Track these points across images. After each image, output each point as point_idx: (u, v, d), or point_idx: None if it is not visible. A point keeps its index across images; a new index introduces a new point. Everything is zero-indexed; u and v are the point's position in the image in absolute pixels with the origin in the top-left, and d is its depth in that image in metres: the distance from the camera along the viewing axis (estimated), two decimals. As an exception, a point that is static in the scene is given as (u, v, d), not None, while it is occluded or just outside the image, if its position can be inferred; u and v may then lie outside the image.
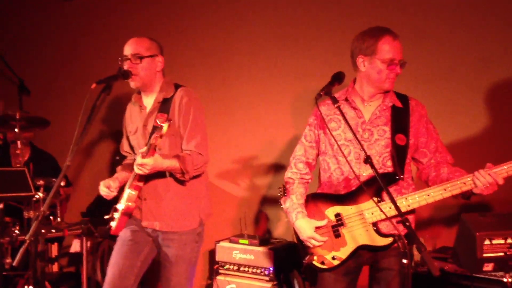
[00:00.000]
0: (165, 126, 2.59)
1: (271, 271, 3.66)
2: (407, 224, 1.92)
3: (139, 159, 2.69)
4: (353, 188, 2.50)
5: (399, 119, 2.48)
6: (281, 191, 3.69)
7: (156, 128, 2.83)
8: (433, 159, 2.53)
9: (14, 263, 2.35)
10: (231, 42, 4.33)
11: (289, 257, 3.78)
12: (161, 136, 2.64)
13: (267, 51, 4.18)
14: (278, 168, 4.12)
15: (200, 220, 2.97)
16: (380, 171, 2.45)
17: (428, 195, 2.32)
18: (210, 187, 4.22)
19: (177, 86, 2.98)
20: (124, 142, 3.16)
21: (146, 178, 2.87)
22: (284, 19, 4.11)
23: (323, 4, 3.95)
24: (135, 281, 2.91)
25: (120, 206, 2.88)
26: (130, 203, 2.83)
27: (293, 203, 2.62)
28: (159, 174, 2.85)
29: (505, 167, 2.25)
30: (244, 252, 3.78)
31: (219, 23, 4.38)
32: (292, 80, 4.08)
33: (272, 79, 4.16)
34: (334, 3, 3.90)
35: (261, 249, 3.72)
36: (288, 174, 2.76)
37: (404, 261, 1.90)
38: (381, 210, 2.22)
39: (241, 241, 3.82)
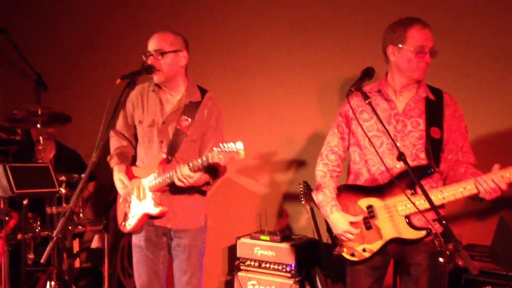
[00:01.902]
0: (242, 153, 2.48)
1: (292, 267, 3.64)
2: (444, 222, 1.89)
3: (186, 170, 2.65)
4: (386, 181, 2.48)
5: (434, 112, 2.46)
6: (301, 187, 3.66)
7: (179, 131, 2.86)
8: (455, 156, 2.50)
9: (42, 260, 2.35)
10: (248, 36, 4.30)
11: (310, 254, 3.75)
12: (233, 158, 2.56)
13: (285, 45, 4.14)
14: (298, 163, 4.09)
15: (205, 218, 3.05)
16: (414, 163, 2.43)
17: (464, 188, 2.28)
18: (229, 183, 4.26)
19: (202, 90, 2.98)
20: (120, 120, 3.05)
21: None
22: (303, 12, 4.06)
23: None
24: (163, 281, 3.01)
25: (147, 209, 2.88)
26: (162, 208, 2.85)
27: (326, 197, 2.61)
28: None
29: (507, 174, 2.20)
30: (265, 249, 3.75)
31: (236, 17, 4.35)
32: (311, 74, 4.04)
33: (290, 73, 4.13)
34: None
35: (283, 245, 3.70)
36: (319, 166, 2.75)
37: (441, 259, 1.87)
38: (413, 203, 2.20)
39: (262, 237, 3.79)
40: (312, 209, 3.66)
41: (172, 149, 2.87)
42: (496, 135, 3.35)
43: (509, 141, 3.31)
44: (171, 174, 2.74)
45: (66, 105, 4.85)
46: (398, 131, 2.48)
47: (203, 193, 3.00)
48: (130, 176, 2.96)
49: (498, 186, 2.21)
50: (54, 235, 2.33)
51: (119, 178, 2.94)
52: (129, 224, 2.94)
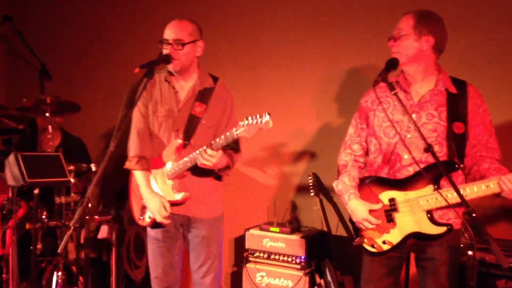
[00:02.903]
0: (271, 122, 2.43)
1: (302, 259, 3.63)
2: (474, 215, 1.88)
3: (209, 150, 2.62)
4: (399, 171, 2.49)
5: (456, 106, 2.44)
6: (311, 179, 3.65)
7: (194, 117, 2.83)
8: (478, 152, 2.46)
9: (59, 250, 2.33)
10: (260, 27, 4.26)
11: (320, 246, 3.74)
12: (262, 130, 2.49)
13: (297, 36, 4.11)
14: (308, 155, 4.07)
15: (223, 209, 3.07)
16: (424, 155, 2.41)
17: (487, 187, 2.25)
18: (238, 175, 4.23)
19: (213, 77, 2.98)
20: (142, 120, 2.94)
21: None
22: (315, 4, 4.03)
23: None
24: (179, 272, 3.01)
25: (168, 197, 2.84)
26: (185, 193, 2.83)
27: (345, 185, 2.62)
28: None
29: None
30: (275, 240, 3.74)
31: (246, 8, 4.31)
32: (321, 66, 4.01)
33: (301, 64, 4.10)
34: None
35: (293, 237, 3.68)
36: (341, 155, 2.75)
37: (470, 252, 1.86)
38: (443, 197, 2.18)
39: (271, 228, 3.77)
40: (321, 201, 3.65)
41: (188, 135, 2.85)
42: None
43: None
44: (192, 156, 2.71)
45: (70, 94, 4.78)
46: (412, 122, 2.46)
47: (220, 178, 2.98)
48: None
49: None
50: (71, 224, 2.30)
51: (161, 206, 2.80)
52: (150, 216, 2.89)
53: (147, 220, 2.92)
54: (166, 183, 2.86)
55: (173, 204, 2.84)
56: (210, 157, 2.62)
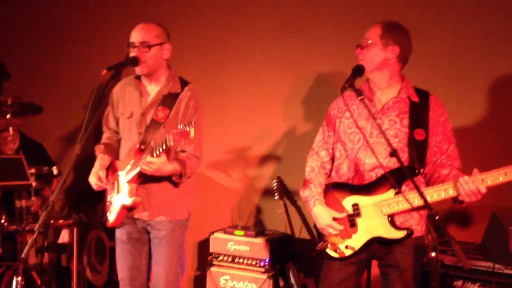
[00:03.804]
0: (192, 131, 2.47)
1: (266, 262, 3.64)
2: (437, 217, 1.94)
3: (148, 157, 2.64)
4: (363, 175, 2.54)
5: (418, 114, 2.51)
6: (275, 183, 3.69)
7: (155, 122, 2.84)
8: (439, 160, 2.53)
9: (23, 255, 2.29)
10: (226, 30, 4.27)
11: (284, 249, 3.78)
12: (185, 138, 2.53)
13: (262, 40, 4.14)
14: (272, 159, 4.10)
15: (188, 213, 3.02)
16: (386, 160, 2.47)
17: (445, 191, 2.31)
18: (202, 178, 4.22)
19: (183, 82, 2.96)
20: (111, 118, 3.08)
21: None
22: (281, 8, 4.07)
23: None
24: (145, 276, 3.01)
25: (123, 200, 2.84)
26: (135, 198, 2.80)
27: (311, 192, 2.65)
28: None
29: (488, 179, 2.24)
30: (239, 244, 3.74)
31: (214, 10, 4.31)
32: (287, 71, 4.05)
33: (267, 68, 4.13)
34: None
35: (257, 240, 3.69)
36: (308, 161, 2.79)
37: (433, 254, 1.93)
38: (407, 201, 2.25)
39: (236, 232, 3.78)
40: (285, 205, 3.71)
41: (146, 140, 2.85)
42: (478, 135, 3.41)
43: (483, 141, 3.40)
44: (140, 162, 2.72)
45: (29, 95, 4.66)
46: (374, 128, 2.53)
47: (184, 189, 2.93)
48: (114, 169, 2.92)
49: (478, 190, 2.23)
50: (36, 229, 2.28)
51: (96, 172, 2.87)
52: (111, 218, 2.90)
53: (110, 221, 2.92)
54: (124, 185, 2.86)
55: (128, 208, 2.85)
56: (148, 164, 2.63)
